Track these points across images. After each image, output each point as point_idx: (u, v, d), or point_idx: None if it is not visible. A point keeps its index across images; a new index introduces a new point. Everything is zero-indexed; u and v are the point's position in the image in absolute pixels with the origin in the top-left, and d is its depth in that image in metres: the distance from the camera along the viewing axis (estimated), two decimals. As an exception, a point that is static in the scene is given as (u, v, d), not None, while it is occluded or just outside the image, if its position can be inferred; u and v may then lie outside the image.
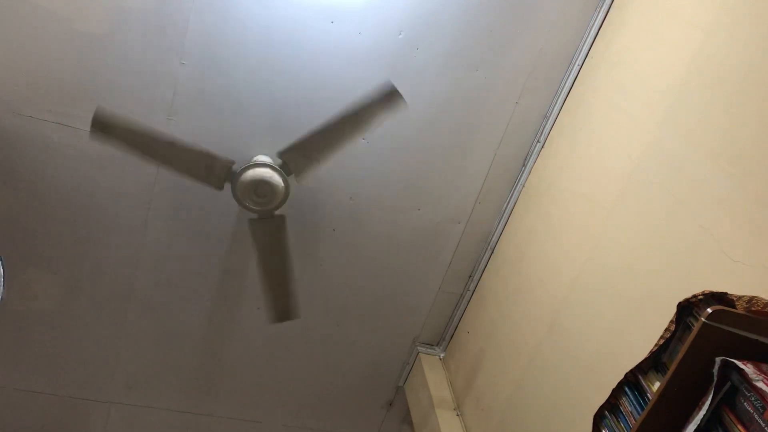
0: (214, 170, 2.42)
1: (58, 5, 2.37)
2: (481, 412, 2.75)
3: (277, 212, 2.58)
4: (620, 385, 1.62)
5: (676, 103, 1.98)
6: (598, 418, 1.68)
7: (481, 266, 3.12)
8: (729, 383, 1.25)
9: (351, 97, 2.67)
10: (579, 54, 2.70)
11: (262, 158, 2.58)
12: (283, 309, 2.67)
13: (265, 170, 2.47)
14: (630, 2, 2.45)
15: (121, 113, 2.26)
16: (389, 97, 2.37)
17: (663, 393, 1.36)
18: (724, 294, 1.44)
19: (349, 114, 2.40)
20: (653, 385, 1.51)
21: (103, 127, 2.25)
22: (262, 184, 2.45)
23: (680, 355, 1.33)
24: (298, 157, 2.46)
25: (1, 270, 2.30)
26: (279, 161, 2.48)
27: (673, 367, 1.34)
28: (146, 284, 2.97)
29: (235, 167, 2.45)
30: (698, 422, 1.27)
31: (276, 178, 2.47)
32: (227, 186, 2.48)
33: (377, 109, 2.40)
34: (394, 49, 2.61)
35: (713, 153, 1.76)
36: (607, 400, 1.65)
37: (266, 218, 2.55)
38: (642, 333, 1.79)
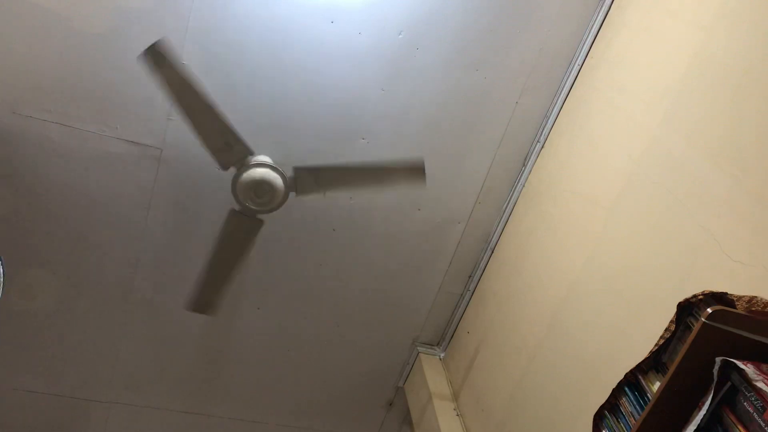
0: (230, 149, 2.42)
1: (58, 5, 2.37)
2: (481, 412, 2.75)
3: (262, 216, 2.57)
4: (620, 385, 1.62)
5: (676, 103, 1.98)
6: (598, 418, 1.68)
7: (481, 266, 3.12)
8: (729, 383, 1.25)
9: (351, 97, 2.68)
10: (579, 54, 2.69)
11: (262, 158, 2.58)
12: (205, 301, 2.65)
13: (265, 170, 2.47)
14: (630, 2, 2.45)
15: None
16: (416, 172, 2.43)
17: (663, 393, 1.36)
18: (724, 294, 1.44)
19: (372, 169, 2.47)
20: (653, 385, 1.51)
21: (159, 58, 2.22)
22: (262, 184, 2.45)
23: (680, 355, 1.33)
24: (310, 179, 2.48)
25: (1, 270, 2.30)
26: (291, 174, 2.49)
27: (673, 367, 1.34)
28: (146, 284, 2.97)
29: (249, 158, 2.45)
30: (698, 422, 1.27)
31: (276, 179, 2.47)
32: (230, 173, 2.48)
33: (400, 177, 2.48)
34: (394, 49, 2.61)
35: (713, 153, 1.76)
36: (607, 400, 1.66)
37: (247, 216, 2.53)
38: (642, 333, 1.79)
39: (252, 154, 2.44)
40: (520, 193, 2.94)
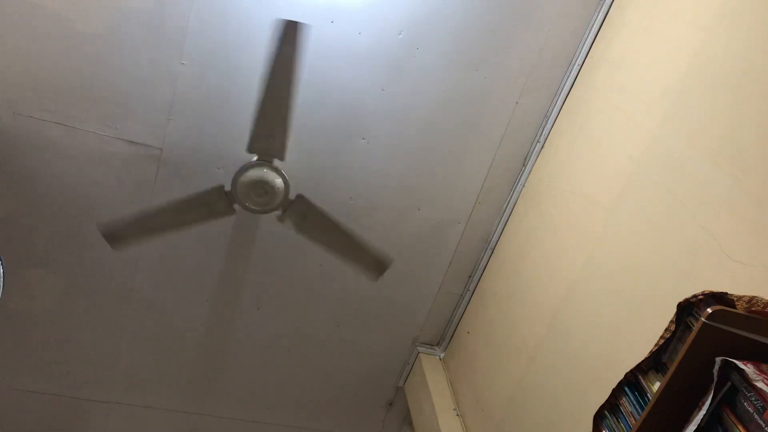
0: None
1: (58, 5, 2.37)
2: (481, 412, 2.75)
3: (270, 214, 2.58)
4: (620, 385, 1.62)
5: (676, 103, 1.98)
6: (598, 418, 1.68)
7: (481, 266, 3.12)
8: (729, 383, 1.25)
9: (351, 97, 2.68)
10: (579, 54, 2.70)
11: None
12: (121, 235, 2.51)
13: (265, 170, 2.47)
14: (630, 2, 2.45)
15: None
16: (379, 265, 2.58)
17: (663, 393, 1.36)
18: (724, 294, 1.44)
19: (349, 239, 2.54)
20: (653, 385, 1.51)
21: (291, 33, 2.21)
22: (262, 184, 2.45)
23: (680, 355, 1.33)
24: (301, 212, 2.52)
25: (1, 270, 2.30)
26: (291, 197, 2.50)
27: (673, 367, 1.34)
28: (146, 284, 2.97)
29: (233, 181, 2.45)
30: (698, 422, 1.27)
31: (276, 179, 2.47)
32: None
33: (365, 260, 2.59)
34: (394, 49, 2.61)
35: (713, 153, 1.76)
36: (607, 400, 1.66)
37: (227, 200, 2.48)
38: (642, 333, 1.79)
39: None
40: (520, 193, 2.94)
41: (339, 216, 2.94)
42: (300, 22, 2.11)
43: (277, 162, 2.50)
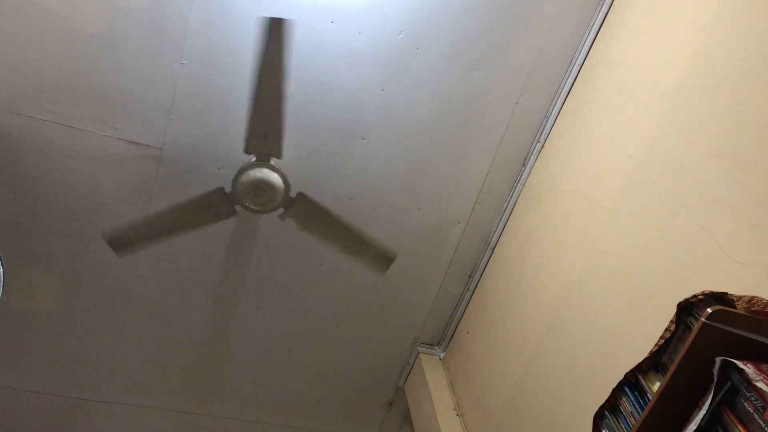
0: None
1: (58, 5, 2.37)
2: (481, 412, 2.75)
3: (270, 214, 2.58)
4: (620, 385, 1.62)
5: (676, 103, 1.98)
6: (598, 418, 1.68)
7: (481, 266, 3.12)
8: (729, 383, 1.25)
9: (351, 97, 2.68)
10: (579, 54, 2.70)
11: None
12: (127, 241, 2.52)
13: (265, 170, 2.47)
14: (630, 2, 2.45)
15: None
16: (384, 260, 2.57)
17: (663, 393, 1.36)
18: (724, 294, 1.44)
19: (353, 234, 2.52)
20: (653, 385, 1.51)
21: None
22: (262, 183, 2.45)
23: (680, 355, 1.33)
24: (303, 209, 2.52)
25: (1, 270, 2.30)
26: (292, 195, 2.50)
27: (673, 367, 1.34)
28: (146, 284, 2.97)
29: (232, 182, 2.45)
30: (698, 422, 1.27)
31: (276, 179, 2.47)
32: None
33: (369, 255, 2.58)
34: (394, 49, 2.61)
35: (713, 153, 1.76)
36: (607, 400, 1.65)
37: (229, 202, 2.48)
38: (642, 333, 1.79)
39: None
40: (520, 193, 2.94)
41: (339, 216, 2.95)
42: (285, 19, 2.10)
43: (276, 161, 2.50)
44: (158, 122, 2.62)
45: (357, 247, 2.58)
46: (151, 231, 2.47)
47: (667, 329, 1.53)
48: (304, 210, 2.52)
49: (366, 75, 2.64)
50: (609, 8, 2.59)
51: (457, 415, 2.94)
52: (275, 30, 2.13)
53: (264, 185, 2.46)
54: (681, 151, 1.89)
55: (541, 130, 2.85)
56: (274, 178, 2.47)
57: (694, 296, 1.48)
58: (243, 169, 2.47)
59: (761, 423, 1.14)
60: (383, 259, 2.58)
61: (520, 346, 2.54)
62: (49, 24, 2.39)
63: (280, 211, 2.54)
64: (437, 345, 3.39)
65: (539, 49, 2.69)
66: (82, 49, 2.45)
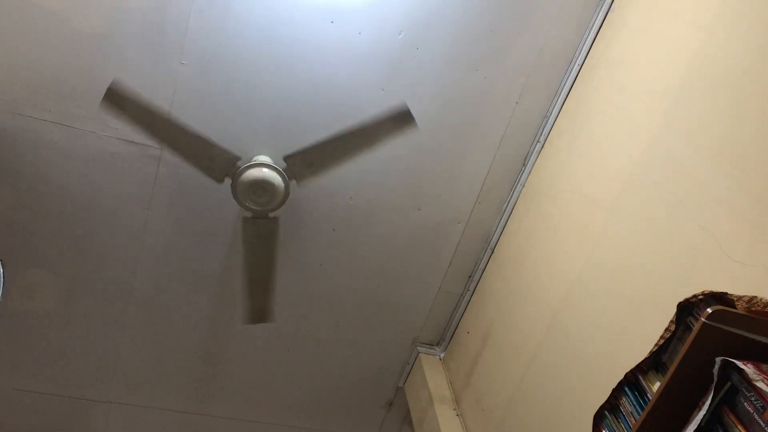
0: (216, 162, 2.42)
1: (58, 5, 2.37)
2: (481, 412, 2.75)
3: (273, 214, 2.57)
4: (620, 385, 1.62)
5: (676, 103, 1.98)
6: (598, 418, 1.68)
7: (481, 266, 3.12)
8: (729, 383, 1.25)
9: (351, 97, 2.68)
10: (579, 54, 2.70)
11: (262, 158, 2.58)
12: (259, 310, 2.68)
13: (265, 170, 2.47)
14: (630, 2, 2.45)
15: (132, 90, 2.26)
16: (402, 118, 2.38)
17: (663, 393, 1.36)
18: (724, 294, 1.44)
19: (358, 129, 2.41)
20: (653, 385, 1.51)
21: (116, 100, 2.26)
22: (262, 183, 2.45)
23: (680, 355, 1.33)
24: (302, 163, 2.47)
25: (1, 270, 2.30)
26: (283, 164, 2.48)
27: (673, 367, 1.34)
28: (146, 284, 2.97)
29: (239, 163, 2.45)
30: (698, 422, 1.27)
31: (276, 178, 2.48)
32: (227, 184, 2.48)
33: (388, 128, 2.43)
34: (394, 49, 2.61)
35: (713, 153, 1.76)
36: (607, 400, 1.66)
37: (261, 218, 2.54)
38: (642, 333, 1.79)
39: (239, 158, 2.43)
40: (520, 193, 2.94)
41: (339, 216, 2.95)
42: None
43: (275, 161, 2.50)
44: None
45: (373, 135, 2.47)
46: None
47: (667, 329, 1.53)
48: (304, 164, 2.48)
49: (366, 75, 2.64)
50: (609, 8, 2.59)
51: (457, 415, 2.94)
52: (117, 97, 2.20)
53: (264, 185, 2.46)
54: (681, 151, 1.89)
55: (541, 130, 2.85)
56: (274, 178, 2.47)
57: (694, 296, 1.48)
58: (243, 169, 2.47)
59: (761, 423, 1.14)
60: (402, 118, 2.40)
61: (520, 346, 2.54)
62: (49, 24, 2.39)
63: (294, 183, 2.53)
64: (437, 345, 3.39)
65: (539, 49, 2.69)
66: (82, 49, 2.45)
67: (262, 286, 2.62)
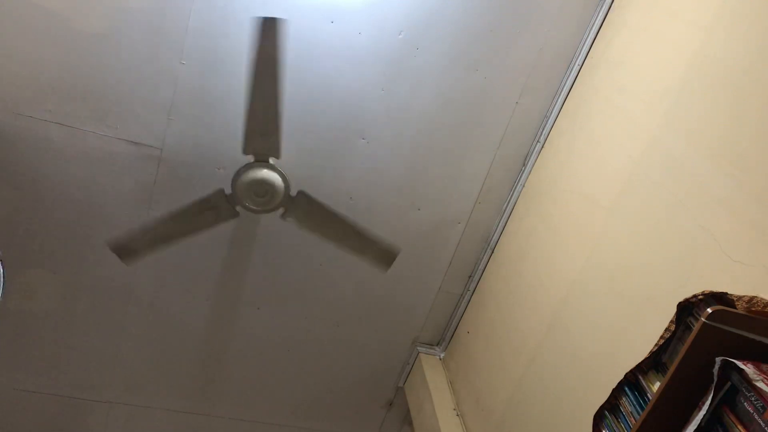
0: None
1: (58, 5, 2.37)
2: (481, 412, 2.75)
3: (269, 214, 2.58)
4: (620, 385, 1.62)
5: (676, 103, 1.98)
6: (598, 418, 1.68)
7: (481, 266, 3.12)
8: (729, 383, 1.25)
9: (351, 97, 2.68)
10: (579, 54, 2.70)
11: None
12: (131, 248, 2.55)
13: (265, 170, 2.47)
14: (630, 2, 2.45)
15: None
16: (387, 257, 2.57)
17: (663, 393, 1.36)
18: (724, 294, 1.44)
19: (355, 231, 2.53)
20: (653, 385, 1.51)
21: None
22: (262, 183, 2.45)
23: (680, 355, 1.33)
24: (303, 208, 2.53)
25: (1, 270, 2.30)
26: (294, 192, 2.51)
27: (673, 367, 1.34)
28: (146, 284, 2.97)
29: (232, 182, 2.46)
30: (698, 422, 1.27)
31: (276, 178, 2.47)
32: (228, 180, 2.49)
33: (371, 252, 2.59)
34: (394, 49, 2.61)
35: (713, 153, 1.76)
36: (607, 400, 1.65)
37: (228, 204, 2.49)
38: (642, 333, 1.79)
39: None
40: (520, 193, 2.94)
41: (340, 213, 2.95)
42: (279, 19, 2.11)
43: (275, 161, 2.50)
44: (158, 122, 2.62)
45: (359, 245, 2.57)
46: (154, 237, 2.48)
47: (667, 329, 1.53)
48: (305, 209, 2.52)
49: (366, 75, 2.64)
50: (609, 8, 2.59)
51: (457, 415, 2.94)
52: (269, 30, 2.13)
53: (264, 185, 2.46)
54: (681, 151, 1.89)
55: (541, 130, 2.85)
56: (274, 178, 2.47)
57: (694, 296, 1.48)
58: (243, 169, 2.47)
59: (761, 423, 1.14)
60: (386, 255, 2.57)
61: (520, 346, 2.54)
62: (49, 24, 2.39)
63: (281, 211, 2.54)
64: (437, 345, 3.39)
65: (539, 49, 2.69)
66: (82, 49, 2.45)
67: (158, 236, 2.52)
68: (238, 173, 2.47)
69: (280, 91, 2.25)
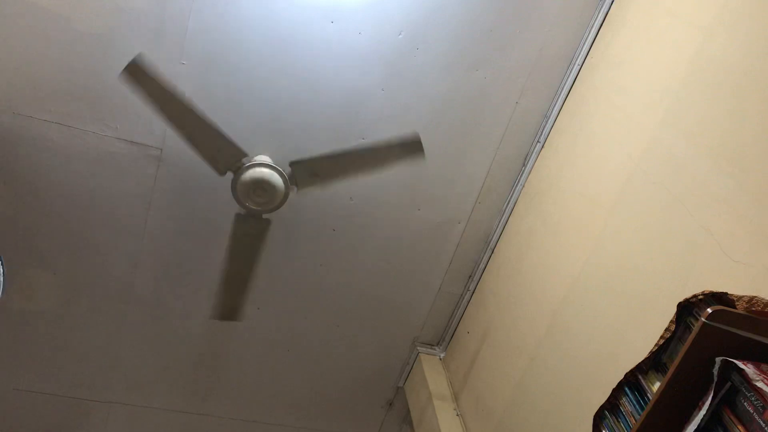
0: (222, 154, 2.41)
1: (57, 5, 2.37)
2: (481, 412, 2.75)
3: (267, 216, 2.57)
4: (620, 385, 1.62)
5: (676, 103, 1.98)
6: (598, 418, 1.68)
7: (481, 266, 3.12)
8: (729, 383, 1.25)
9: (351, 96, 2.68)
10: (579, 54, 2.70)
11: (262, 158, 2.58)
12: (230, 308, 2.68)
13: (265, 170, 2.47)
14: (630, 2, 2.45)
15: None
16: (413, 147, 2.42)
17: (663, 393, 1.36)
18: (724, 294, 1.44)
19: (368, 150, 2.43)
20: (653, 385, 1.51)
21: (137, 73, 2.22)
22: (262, 183, 2.45)
23: (680, 355, 1.33)
24: (307, 173, 2.48)
25: (1, 270, 2.30)
26: (287, 168, 2.48)
27: (673, 367, 1.34)
28: (146, 284, 2.97)
29: (244, 160, 2.44)
30: (698, 422, 1.27)
31: (276, 178, 2.47)
32: (228, 177, 2.48)
33: (397, 154, 2.45)
34: (394, 49, 2.61)
35: (713, 153, 1.76)
36: (607, 400, 1.65)
37: (254, 218, 2.53)
38: (642, 333, 1.79)
39: (246, 155, 2.43)
40: (520, 193, 2.94)
41: (339, 216, 2.95)
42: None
43: (275, 161, 2.50)
44: (158, 122, 2.62)
45: (380, 159, 2.49)
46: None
47: (667, 329, 1.53)
48: (309, 172, 2.48)
49: (366, 75, 2.64)
50: (609, 8, 2.59)
51: (457, 415, 2.94)
52: (138, 71, 2.17)
53: (264, 185, 2.46)
54: (681, 151, 1.89)
55: (541, 130, 2.85)
56: (274, 178, 2.47)
57: (694, 296, 1.48)
58: (242, 171, 2.47)
59: (761, 423, 1.14)
60: (411, 147, 2.44)
61: (520, 346, 2.54)
62: (49, 24, 2.39)
63: (294, 190, 2.52)
64: (437, 345, 3.39)
65: (539, 49, 2.69)
66: (82, 49, 2.45)
67: (237, 285, 2.61)
68: (238, 173, 2.46)
69: (198, 109, 2.28)
